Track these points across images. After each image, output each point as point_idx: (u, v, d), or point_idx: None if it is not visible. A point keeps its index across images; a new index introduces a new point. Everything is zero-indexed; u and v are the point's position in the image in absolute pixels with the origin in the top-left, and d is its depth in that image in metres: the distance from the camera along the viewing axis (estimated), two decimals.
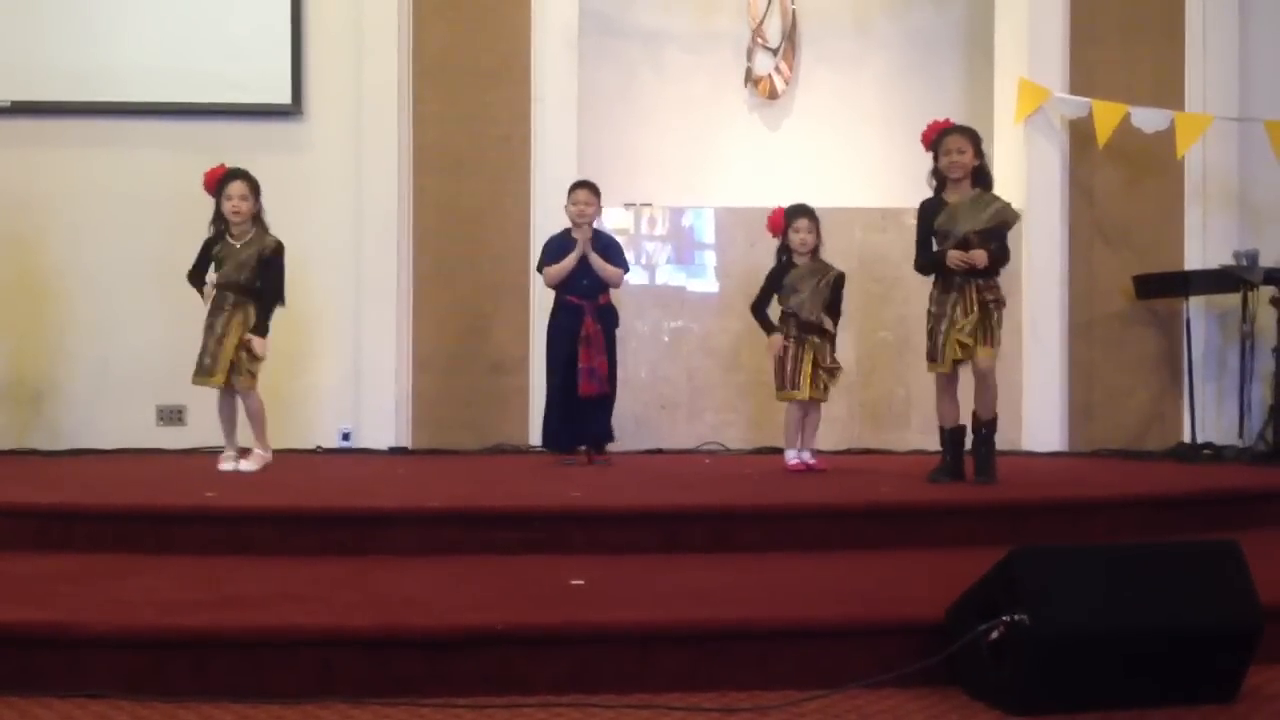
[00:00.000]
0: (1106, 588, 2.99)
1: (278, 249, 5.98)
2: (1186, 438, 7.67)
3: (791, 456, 6.23)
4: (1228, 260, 7.37)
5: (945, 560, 3.99)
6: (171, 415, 7.57)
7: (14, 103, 7.42)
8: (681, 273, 8.08)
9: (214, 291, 5.86)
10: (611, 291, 6.70)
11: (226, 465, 5.93)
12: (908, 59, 8.68)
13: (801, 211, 6.22)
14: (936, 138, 5.62)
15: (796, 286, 6.14)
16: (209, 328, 5.84)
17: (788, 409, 6.25)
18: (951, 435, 5.64)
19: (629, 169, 8.34)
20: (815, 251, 6.23)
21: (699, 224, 8.13)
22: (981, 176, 5.57)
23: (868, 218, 7.89)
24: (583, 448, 6.63)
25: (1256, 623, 3.03)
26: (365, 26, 7.60)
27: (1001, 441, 7.61)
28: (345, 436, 7.62)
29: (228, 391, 5.90)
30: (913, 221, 7.73)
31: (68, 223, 7.55)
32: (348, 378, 7.65)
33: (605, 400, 6.58)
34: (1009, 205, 5.57)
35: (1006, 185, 8.11)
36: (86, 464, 6.66)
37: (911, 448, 7.77)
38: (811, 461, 6.21)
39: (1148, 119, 7.50)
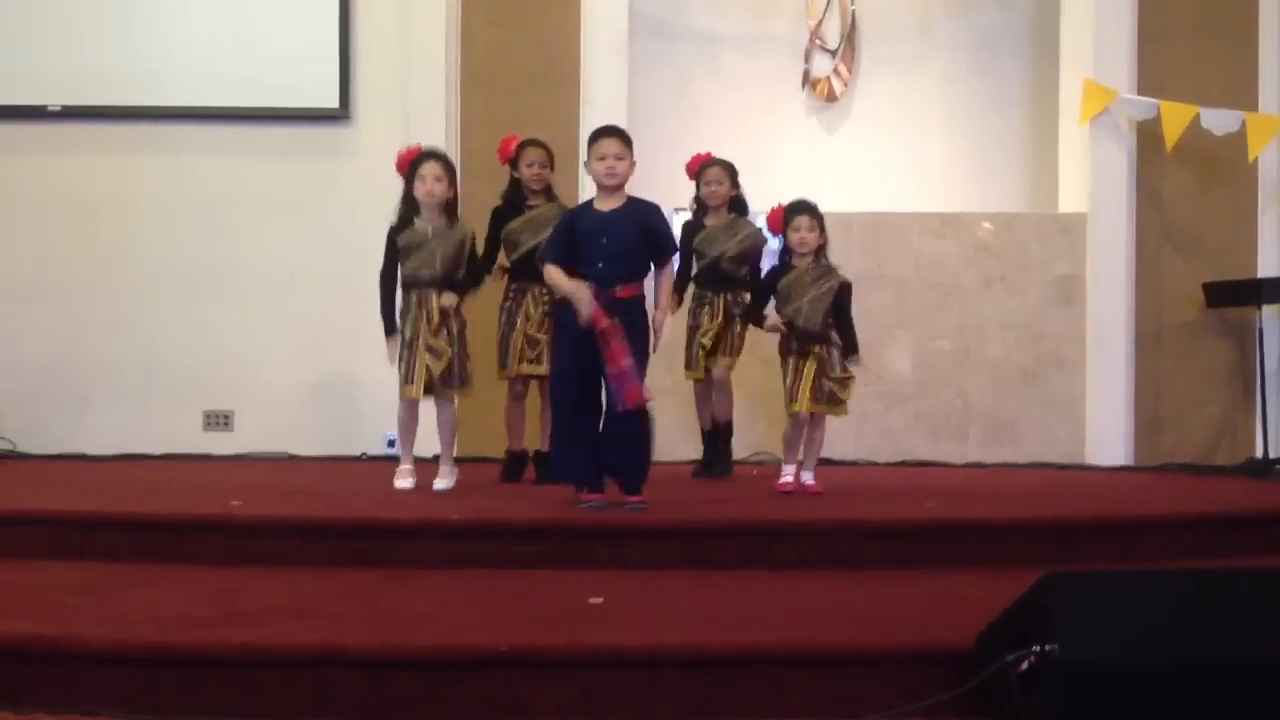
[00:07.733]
0: (1149, 616, 2.80)
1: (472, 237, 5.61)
2: (1259, 452, 7.37)
3: (786, 474, 5.59)
4: None
5: (985, 582, 3.80)
6: (218, 421, 7.54)
7: (64, 107, 7.41)
8: None
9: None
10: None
11: (409, 482, 5.41)
12: (970, 60, 8.46)
13: (802, 209, 5.56)
14: (699, 169, 6.26)
15: (792, 294, 5.48)
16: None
17: (787, 423, 5.62)
18: (710, 436, 6.27)
19: (684, 174, 8.19)
20: (819, 253, 5.57)
21: None
22: (737, 205, 6.16)
23: (926, 223, 7.66)
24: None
25: None
26: (413, 30, 7.49)
27: (1065, 455, 7.50)
28: (391, 444, 7.48)
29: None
30: (972, 227, 7.65)
31: (116, 227, 7.54)
32: (395, 384, 7.51)
33: (634, 424, 4.78)
34: (759, 230, 6.06)
35: (1071, 189, 7.91)
36: (127, 469, 6.62)
37: (969, 460, 7.54)
38: (809, 483, 5.55)
39: (1218, 120, 7.20)
